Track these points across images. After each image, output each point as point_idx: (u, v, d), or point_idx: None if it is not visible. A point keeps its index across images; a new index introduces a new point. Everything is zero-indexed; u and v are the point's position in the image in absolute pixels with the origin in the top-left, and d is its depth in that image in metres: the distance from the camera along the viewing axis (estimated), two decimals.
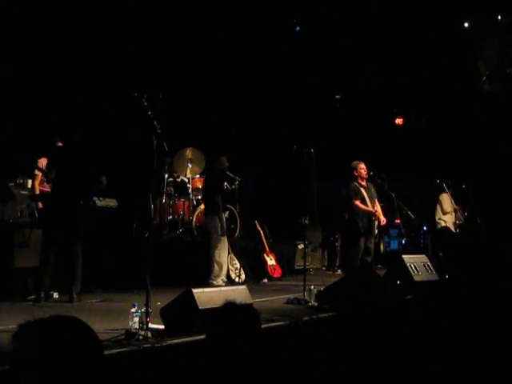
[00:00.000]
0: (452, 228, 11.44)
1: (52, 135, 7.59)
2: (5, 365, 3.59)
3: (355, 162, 9.47)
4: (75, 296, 7.01)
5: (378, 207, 9.43)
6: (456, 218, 11.42)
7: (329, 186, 10.09)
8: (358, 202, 9.24)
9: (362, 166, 9.39)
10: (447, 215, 11.44)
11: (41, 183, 8.34)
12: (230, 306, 2.60)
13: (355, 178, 9.37)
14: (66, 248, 7.20)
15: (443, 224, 11.43)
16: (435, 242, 11.28)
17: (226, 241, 8.91)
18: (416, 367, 3.77)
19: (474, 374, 3.55)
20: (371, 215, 9.22)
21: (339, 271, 11.65)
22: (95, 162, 7.40)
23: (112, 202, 8.76)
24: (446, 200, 11.40)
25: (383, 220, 9.36)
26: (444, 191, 11.41)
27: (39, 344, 1.80)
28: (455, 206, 11.35)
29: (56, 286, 7.23)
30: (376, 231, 9.38)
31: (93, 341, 1.87)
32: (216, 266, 8.67)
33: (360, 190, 9.33)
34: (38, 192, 8.17)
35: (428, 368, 3.71)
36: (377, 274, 7.18)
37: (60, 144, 7.55)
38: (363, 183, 9.39)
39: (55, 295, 7.19)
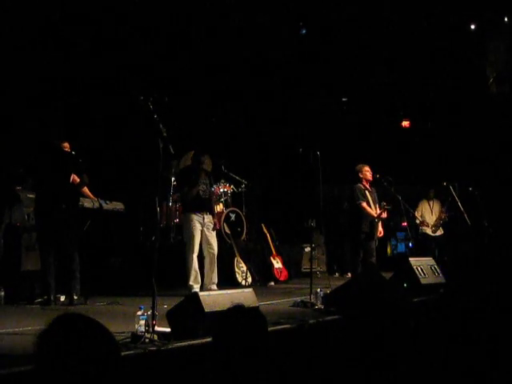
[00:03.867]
0: (429, 231, 11.69)
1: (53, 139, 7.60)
2: (15, 366, 3.64)
3: (360, 165, 9.47)
4: (76, 297, 7.05)
5: (383, 213, 9.42)
6: (436, 221, 11.66)
7: (334, 189, 10.11)
8: (364, 204, 9.24)
9: (367, 168, 9.39)
10: (424, 220, 11.74)
11: None
12: (237, 309, 2.60)
13: (360, 181, 9.38)
14: (61, 251, 7.23)
15: (422, 231, 11.78)
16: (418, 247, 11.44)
17: (197, 241, 8.11)
18: (423, 369, 3.76)
19: (479, 375, 3.54)
20: (373, 219, 9.24)
21: (337, 274, 11.69)
22: (75, 163, 7.41)
23: (119, 206, 8.77)
24: (421, 207, 11.79)
25: (380, 231, 9.36)
26: (424, 197, 11.82)
27: (65, 342, 1.85)
28: (435, 210, 11.70)
29: (62, 289, 7.26)
30: (377, 235, 9.39)
31: (112, 342, 1.93)
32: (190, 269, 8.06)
33: (365, 193, 9.33)
34: None
35: (434, 370, 3.71)
36: (381, 275, 7.16)
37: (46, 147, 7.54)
38: (368, 186, 9.40)
39: (62, 298, 7.22)
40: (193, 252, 8.02)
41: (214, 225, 8.31)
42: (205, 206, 8.29)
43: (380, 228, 9.35)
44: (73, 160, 7.38)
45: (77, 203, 7.53)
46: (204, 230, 8.17)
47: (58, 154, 7.36)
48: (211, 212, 8.39)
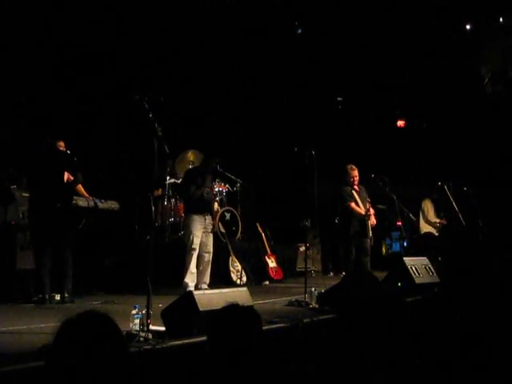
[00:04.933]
0: (434, 232, 11.55)
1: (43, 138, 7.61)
2: (11, 364, 3.65)
3: (349, 167, 9.53)
4: (67, 295, 7.05)
5: (370, 209, 9.47)
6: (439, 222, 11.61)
7: (330, 188, 10.12)
8: (353, 205, 9.34)
9: (355, 173, 9.45)
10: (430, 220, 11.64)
11: None
12: (231, 308, 2.61)
13: (347, 181, 9.45)
14: (55, 250, 7.22)
15: (425, 230, 11.59)
16: (418, 248, 11.27)
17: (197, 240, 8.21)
18: (417, 368, 3.76)
19: (475, 374, 3.56)
20: (364, 217, 9.30)
21: (331, 273, 11.68)
22: (69, 162, 7.40)
23: (114, 205, 8.78)
24: (429, 207, 11.59)
25: (373, 221, 9.42)
26: (427, 197, 11.62)
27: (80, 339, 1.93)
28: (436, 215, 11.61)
29: (56, 288, 7.26)
30: (370, 233, 9.44)
31: (121, 339, 2.05)
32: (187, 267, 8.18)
33: (353, 193, 9.43)
34: None
35: (428, 369, 3.71)
36: (372, 274, 7.19)
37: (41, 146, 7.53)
38: (355, 186, 9.49)
39: (57, 297, 7.21)
40: (193, 251, 8.14)
41: (213, 226, 8.46)
42: (208, 207, 8.47)
43: (372, 218, 9.39)
44: (67, 159, 7.38)
45: (70, 202, 7.53)
46: (203, 231, 8.30)
47: (52, 152, 7.35)
48: (211, 213, 8.55)
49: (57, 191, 7.23)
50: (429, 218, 11.48)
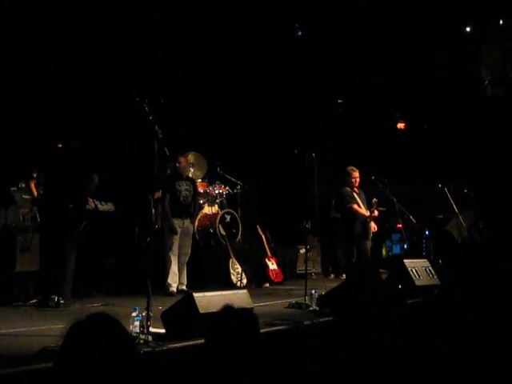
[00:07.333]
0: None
1: (51, 138, 7.60)
2: (11, 367, 3.65)
3: (350, 168, 9.49)
4: (62, 301, 6.90)
5: (375, 211, 9.47)
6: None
7: (330, 190, 10.12)
8: (355, 206, 9.33)
9: (356, 174, 9.42)
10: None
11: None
12: (227, 311, 2.61)
13: (347, 183, 9.43)
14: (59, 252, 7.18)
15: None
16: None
17: (176, 242, 8.48)
18: (417, 371, 3.77)
19: (473, 375, 3.56)
20: (365, 219, 9.29)
21: (332, 276, 11.63)
22: (86, 163, 7.40)
23: (110, 207, 8.80)
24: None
25: (374, 227, 9.43)
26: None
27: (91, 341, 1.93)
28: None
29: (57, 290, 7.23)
30: (371, 234, 9.44)
31: (130, 340, 2.08)
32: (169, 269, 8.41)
33: (353, 195, 9.41)
34: (36, 194, 8.13)
35: (429, 372, 3.72)
36: (377, 275, 7.19)
37: (60, 146, 7.52)
38: (355, 189, 9.48)
39: (56, 299, 7.17)
40: (173, 253, 8.43)
41: (188, 228, 8.68)
42: (186, 211, 8.70)
43: (373, 224, 9.40)
44: (83, 160, 7.38)
45: (84, 205, 7.54)
46: (181, 234, 8.55)
47: (68, 153, 7.34)
48: (191, 217, 8.81)
49: (70, 192, 7.21)
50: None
